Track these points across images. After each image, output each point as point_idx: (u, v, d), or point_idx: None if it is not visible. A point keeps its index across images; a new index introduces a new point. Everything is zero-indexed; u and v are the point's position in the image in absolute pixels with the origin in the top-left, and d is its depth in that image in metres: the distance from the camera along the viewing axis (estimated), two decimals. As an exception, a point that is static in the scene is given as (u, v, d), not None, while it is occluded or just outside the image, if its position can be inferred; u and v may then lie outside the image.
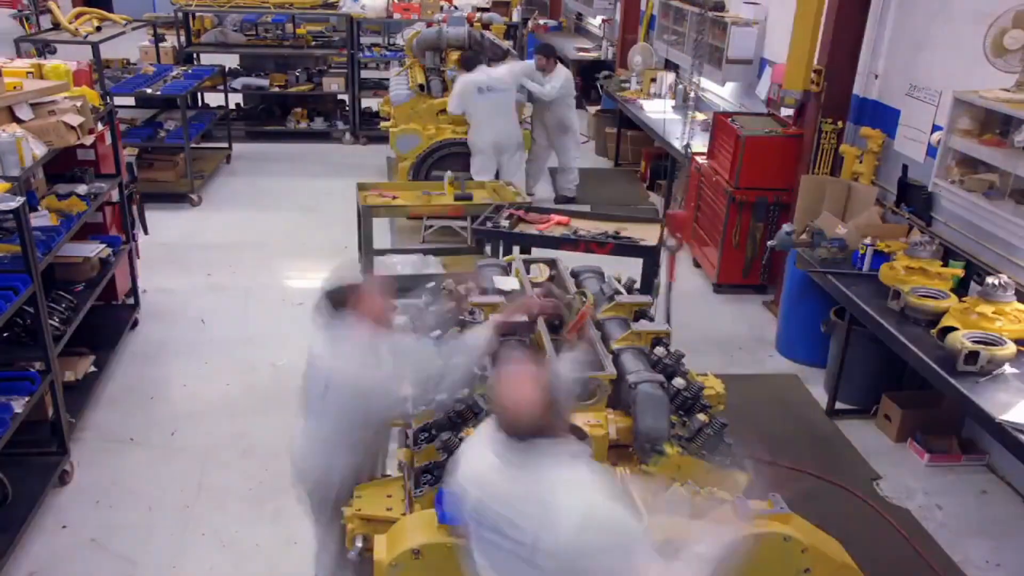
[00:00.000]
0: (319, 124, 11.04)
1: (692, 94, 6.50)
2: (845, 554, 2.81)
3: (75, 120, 4.77)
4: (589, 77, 12.26)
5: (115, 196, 5.80)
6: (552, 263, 4.15)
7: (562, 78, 8.47)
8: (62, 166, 5.41)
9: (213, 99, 10.75)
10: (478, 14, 9.02)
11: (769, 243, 6.13)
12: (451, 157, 7.71)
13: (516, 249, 5.27)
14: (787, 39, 6.15)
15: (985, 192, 4.57)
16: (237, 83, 10.76)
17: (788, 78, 6.17)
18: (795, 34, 6.03)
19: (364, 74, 11.13)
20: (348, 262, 5.39)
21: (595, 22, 13.83)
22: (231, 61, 11.26)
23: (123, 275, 6.02)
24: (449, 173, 6.44)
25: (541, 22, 15.79)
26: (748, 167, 6.48)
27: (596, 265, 4.03)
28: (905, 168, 5.50)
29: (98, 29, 9.00)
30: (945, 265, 4.82)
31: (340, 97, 11.17)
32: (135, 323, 6.04)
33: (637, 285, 3.93)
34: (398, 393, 2.98)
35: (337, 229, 7.94)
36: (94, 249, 5.36)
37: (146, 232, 6.62)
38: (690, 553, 2.23)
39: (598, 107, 11.40)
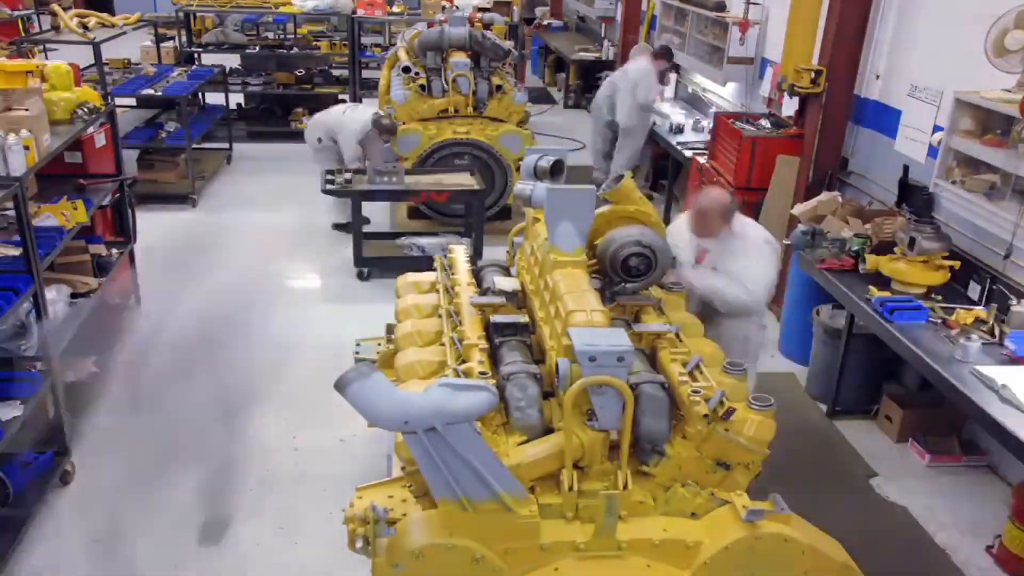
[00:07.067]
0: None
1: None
2: (845, 554, 2.81)
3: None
4: (590, 77, 12.26)
5: (119, 195, 5.81)
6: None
7: None
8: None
9: (212, 98, 10.73)
10: (479, 14, 9.02)
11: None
12: (452, 157, 7.70)
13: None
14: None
15: (986, 192, 4.57)
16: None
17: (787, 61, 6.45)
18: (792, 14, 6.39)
19: (364, 74, 11.13)
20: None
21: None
22: (232, 61, 11.25)
23: (124, 275, 6.01)
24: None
25: (545, 22, 15.78)
26: (751, 167, 6.48)
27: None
28: (906, 169, 5.48)
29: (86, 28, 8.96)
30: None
31: (341, 97, 11.17)
32: (136, 324, 6.03)
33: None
34: None
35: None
36: (94, 248, 5.36)
37: (134, 240, 6.49)
38: None
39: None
